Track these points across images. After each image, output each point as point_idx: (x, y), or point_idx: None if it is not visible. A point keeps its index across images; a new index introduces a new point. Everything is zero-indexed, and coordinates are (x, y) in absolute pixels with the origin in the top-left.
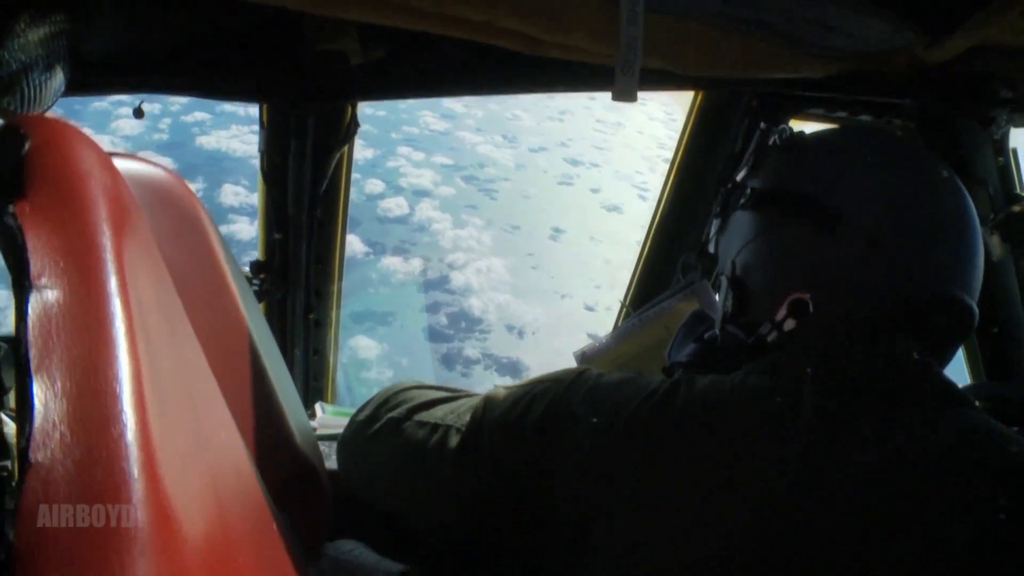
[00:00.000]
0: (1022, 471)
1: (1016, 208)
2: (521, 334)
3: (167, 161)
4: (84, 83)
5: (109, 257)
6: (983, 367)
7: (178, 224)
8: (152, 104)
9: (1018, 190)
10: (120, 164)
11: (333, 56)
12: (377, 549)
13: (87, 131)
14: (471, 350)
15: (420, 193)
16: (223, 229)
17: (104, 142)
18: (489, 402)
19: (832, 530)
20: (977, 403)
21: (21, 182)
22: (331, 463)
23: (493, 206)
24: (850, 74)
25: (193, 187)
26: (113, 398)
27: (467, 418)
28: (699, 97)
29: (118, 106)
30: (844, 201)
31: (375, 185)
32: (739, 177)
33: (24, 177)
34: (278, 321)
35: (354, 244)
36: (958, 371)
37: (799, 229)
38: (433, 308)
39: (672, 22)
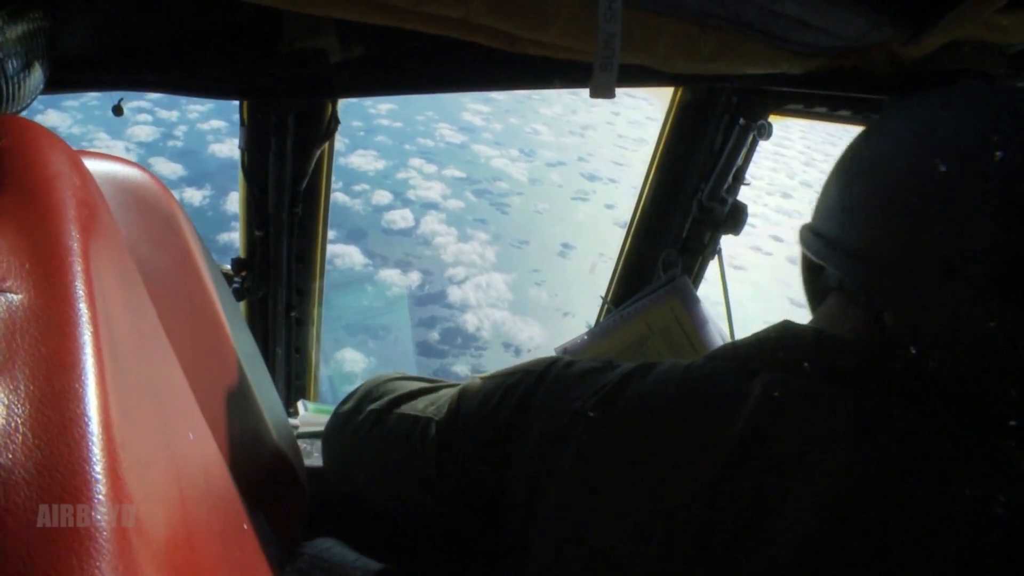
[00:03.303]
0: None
1: None
2: (518, 352)
3: (178, 168)
4: (62, 80)
5: (76, 260)
6: None
7: (152, 223)
8: (170, 111)
9: None
10: (92, 164)
11: (312, 53)
12: (355, 547)
13: (103, 136)
14: (463, 367)
15: (428, 206)
16: (225, 236)
17: (118, 147)
18: (464, 394)
19: (777, 520)
20: None
21: None
22: (312, 460)
23: (503, 220)
24: (829, 70)
25: (200, 194)
26: (76, 400)
27: (445, 410)
28: (679, 93)
29: (137, 112)
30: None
31: (382, 196)
32: None
33: None
34: (260, 319)
35: (353, 255)
36: None
37: None
38: (429, 323)
39: (650, 18)
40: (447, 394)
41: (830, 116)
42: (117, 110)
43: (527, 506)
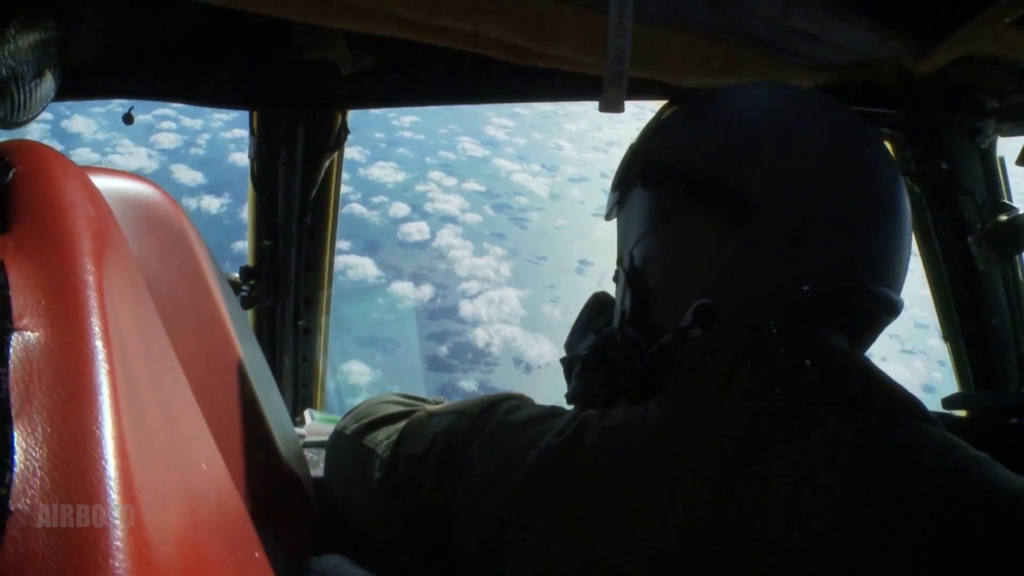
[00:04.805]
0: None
1: (1003, 217)
2: (528, 368)
3: (198, 175)
4: (73, 89)
5: (91, 294)
6: (971, 376)
7: (163, 241)
8: (194, 119)
9: (1005, 199)
10: (103, 183)
11: (323, 64)
12: (361, 561)
13: (127, 142)
14: (471, 383)
15: (445, 219)
16: (240, 244)
17: (142, 154)
18: (406, 432)
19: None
20: (965, 412)
21: (4, 215)
22: (318, 471)
23: (521, 235)
24: (838, 84)
25: (219, 202)
26: (94, 442)
27: (390, 450)
28: None
29: (162, 120)
30: (758, 187)
31: (400, 208)
32: (639, 140)
33: (7, 210)
34: (267, 328)
35: (367, 267)
36: (947, 380)
37: (705, 220)
38: (439, 337)
39: (659, 32)
40: (400, 428)
41: None
42: (127, 118)
43: (490, 549)
